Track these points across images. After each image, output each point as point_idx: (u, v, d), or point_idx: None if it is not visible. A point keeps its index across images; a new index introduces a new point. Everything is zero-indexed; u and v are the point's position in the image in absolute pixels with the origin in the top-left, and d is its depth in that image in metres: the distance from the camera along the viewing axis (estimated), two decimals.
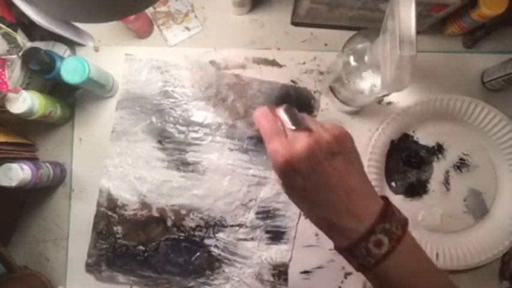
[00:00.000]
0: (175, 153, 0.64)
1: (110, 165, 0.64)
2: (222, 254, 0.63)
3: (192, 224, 0.63)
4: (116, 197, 0.63)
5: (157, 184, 0.64)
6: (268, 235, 0.63)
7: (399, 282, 0.34)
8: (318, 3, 0.59)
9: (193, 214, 0.63)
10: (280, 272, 0.63)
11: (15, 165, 0.53)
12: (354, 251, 0.34)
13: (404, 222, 0.35)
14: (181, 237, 0.63)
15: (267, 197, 0.64)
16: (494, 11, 0.58)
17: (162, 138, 0.65)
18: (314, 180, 0.33)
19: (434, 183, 0.65)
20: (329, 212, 0.34)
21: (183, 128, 0.65)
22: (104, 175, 0.64)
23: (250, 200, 0.63)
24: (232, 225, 0.63)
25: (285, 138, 0.34)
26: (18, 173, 0.53)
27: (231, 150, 0.64)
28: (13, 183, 0.53)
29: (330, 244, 0.37)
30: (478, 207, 0.65)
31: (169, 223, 0.63)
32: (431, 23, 0.64)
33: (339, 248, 0.36)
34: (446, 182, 0.65)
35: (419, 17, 0.60)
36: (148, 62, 0.66)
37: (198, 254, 0.63)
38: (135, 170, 0.64)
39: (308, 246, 0.63)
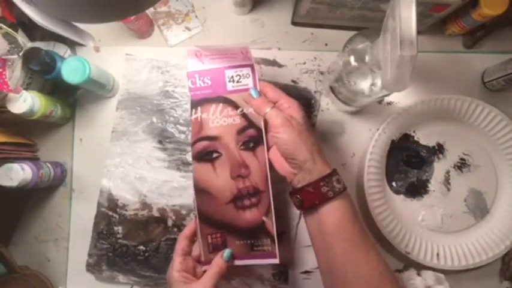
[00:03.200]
0: (175, 153, 0.64)
1: (111, 165, 0.64)
2: None
3: None
4: (117, 197, 0.63)
5: (158, 184, 0.64)
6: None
7: (334, 225, 0.45)
8: (318, 3, 0.59)
9: (193, 214, 0.63)
10: (281, 272, 0.62)
11: (16, 166, 0.54)
12: (323, 181, 0.46)
13: (343, 181, 0.48)
14: None
15: None
16: (494, 11, 0.58)
17: (163, 138, 0.65)
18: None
19: (435, 183, 0.65)
20: (316, 147, 0.48)
21: (184, 128, 0.65)
22: (105, 175, 0.64)
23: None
24: None
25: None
26: (19, 173, 0.53)
27: None
28: (14, 184, 0.53)
29: None
30: (479, 207, 0.64)
31: (169, 223, 0.63)
32: (432, 22, 0.64)
33: (309, 184, 0.46)
34: (447, 182, 0.65)
35: (420, 16, 0.60)
36: (149, 62, 0.66)
37: None
38: (136, 170, 0.64)
39: (308, 246, 0.63)
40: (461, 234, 0.64)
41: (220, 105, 0.54)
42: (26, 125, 0.63)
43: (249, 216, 0.51)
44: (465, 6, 0.60)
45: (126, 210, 0.63)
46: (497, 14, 0.59)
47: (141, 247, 0.63)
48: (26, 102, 0.54)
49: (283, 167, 0.50)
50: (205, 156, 0.53)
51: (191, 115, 0.54)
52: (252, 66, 0.54)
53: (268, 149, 0.52)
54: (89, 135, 0.66)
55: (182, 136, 0.65)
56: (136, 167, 0.64)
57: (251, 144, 0.52)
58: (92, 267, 0.62)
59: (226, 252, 0.51)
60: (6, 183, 0.53)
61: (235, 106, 0.54)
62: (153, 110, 0.65)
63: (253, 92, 0.52)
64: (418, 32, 0.40)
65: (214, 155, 0.53)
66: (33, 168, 0.55)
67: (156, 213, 0.63)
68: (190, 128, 0.64)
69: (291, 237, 0.63)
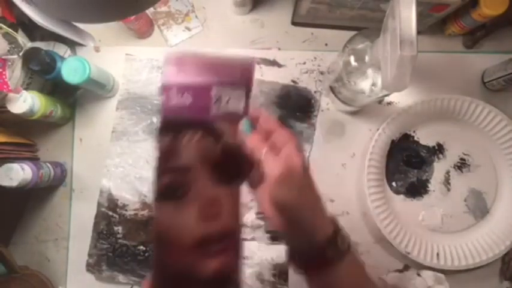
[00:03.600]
0: None
1: (111, 165, 0.64)
2: None
3: None
4: (117, 197, 0.63)
5: None
6: (268, 235, 0.63)
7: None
8: (318, 3, 0.59)
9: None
10: (281, 272, 0.62)
11: (16, 166, 0.54)
12: (329, 243, 0.39)
13: (347, 235, 0.41)
14: None
15: None
16: (494, 11, 0.58)
17: None
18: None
19: (435, 183, 0.65)
20: (319, 203, 0.41)
21: None
22: (105, 175, 0.64)
23: (251, 200, 0.63)
24: None
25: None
26: (19, 173, 0.53)
27: None
28: (14, 184, 0.53)
29: None
30: (479, 207, 0.64)
31: None
32: (432, 22, 0.64)
33: (312, 247, 0.40)
34: (447, 182, 0.65)
35: (420, 16, 0.60)
36: (149, 62, 0.66)
37: None
38: (136, 170, 0.64)
39: None
40: (461, 234, 0.64)
41: (199, 130, 0.41)
42: (26, 125, 0.63)
43: (215, 264, 0.41)
44: (465, 6, 0.60)
45: (126, 210, 0.63)
46: (497, 14, 0.59)
47: (141, 247, 0.63)
48: (26, 102, 0.54)
49: (276, 219, 0.42)
50: (171, 192, 0.40)
51: (158, 141, 0.40)
52: (248, 88, 0.41)
53: (255, 185, 0.43)
54: (89, 135, 0.66)
55: None
56: (136, 167, 0.64)
57: (228, 180, 0.42)
58: (92, 267, 0.62)
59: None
60: (6, 183, 0.53)
61: (216, 133, 0.41)
62: (153, 110, 0.65)
63: (245, 126, 0.40)
64: (418, 32, 0.40)
65: (182, 191, 0.40)
66: (33, 168, 0.55)
67: None
68: None
69: None
